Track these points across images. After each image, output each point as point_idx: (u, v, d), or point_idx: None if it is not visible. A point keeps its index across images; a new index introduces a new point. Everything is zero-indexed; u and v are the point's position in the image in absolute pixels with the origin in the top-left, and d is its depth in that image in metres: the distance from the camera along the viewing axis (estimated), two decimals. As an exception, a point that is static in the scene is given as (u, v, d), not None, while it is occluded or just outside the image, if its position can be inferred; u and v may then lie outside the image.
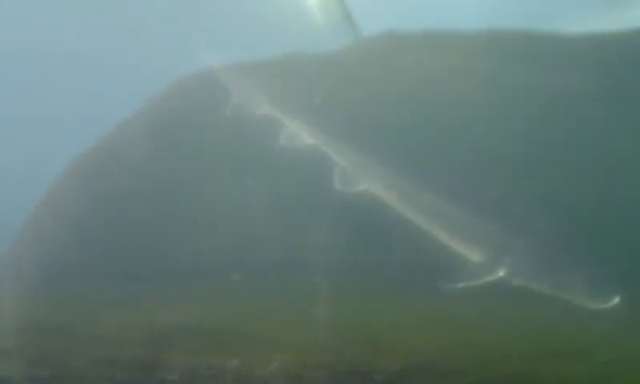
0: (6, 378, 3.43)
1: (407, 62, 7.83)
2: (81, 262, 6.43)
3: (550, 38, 7.75)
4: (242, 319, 4.59)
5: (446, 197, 5.57)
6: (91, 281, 6.04)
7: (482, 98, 7.14)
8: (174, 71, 8.67)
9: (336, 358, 3.51)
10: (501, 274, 4.83)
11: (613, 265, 4.66)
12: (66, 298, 5.63)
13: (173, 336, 4.05)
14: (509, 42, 7.85)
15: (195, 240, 6.43)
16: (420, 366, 3.41)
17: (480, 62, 7.59)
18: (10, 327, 4.67)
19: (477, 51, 7.74)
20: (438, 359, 3.55)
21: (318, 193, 6.57)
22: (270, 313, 4.76)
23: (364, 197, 6.30)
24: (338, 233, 6.07)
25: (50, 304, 5.48)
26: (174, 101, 8.14)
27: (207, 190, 6.90)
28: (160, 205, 6.87)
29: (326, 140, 6.86)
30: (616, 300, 4.22)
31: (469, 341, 3.98)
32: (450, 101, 7.20)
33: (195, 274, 5.91)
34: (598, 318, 4.32)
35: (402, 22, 8.63)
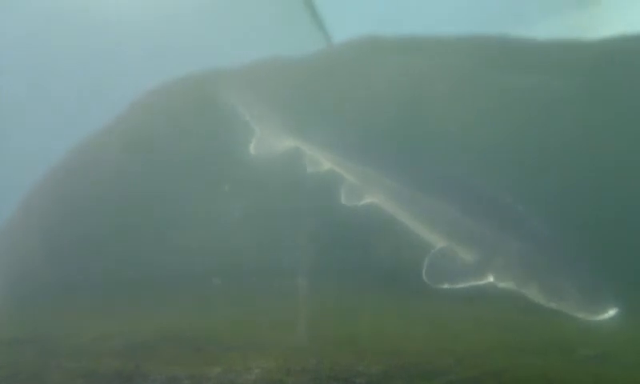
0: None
1: (389, 66, 7.84)
2: (56, 272, 6.33)
3: (531, 43, 7.83)
4: (222, 326, 4.55)
5: (430, 197, 5.59)
6: (67, 291, 5.95)
7: (466, 102, 7.19)
8: (150, 78, 8.58)
9: (318, 362, 3.49)
10: (487, 275, 4.85)
11: (601, 269, 4.68)
12: (42, 311, 5.53)
13: (153, 345, 4.00)
14: (490, 47, 7.91)
15: (174, 247, 6.37)
16: (402, 367, 3.41)
17: (462, 66, 7.65)
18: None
19: (459, 56, 7.80)
20: (421, 359, 3.55)
21: (298, 196, 6.57)
22: (250, 318, 4.73)
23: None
24: (319, 235, 6.06)
25: (27, 317, 5.38)
26: (151, 108, 8.04)
27: (186, 197, 6.84)
28: (137, 213, 6.79)
29: (308, 144, 6.86)
30: (612, 312, 4.24)
31: (452, 341, 3.98)
32: (432, 105, 7.24)
33: (174, 282, 5.85)
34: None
35: (377, 25, 8.64)
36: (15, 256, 6.76)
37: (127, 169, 7.21)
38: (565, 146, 6.59)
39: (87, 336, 4.38)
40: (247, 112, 7.25)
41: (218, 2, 16.93)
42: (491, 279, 4.79)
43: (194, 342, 4.02)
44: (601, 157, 6.46)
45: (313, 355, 3.60)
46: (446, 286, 4.80)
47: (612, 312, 4.22)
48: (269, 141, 7.04)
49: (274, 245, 6.15)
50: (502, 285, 4.74)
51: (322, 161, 6.70)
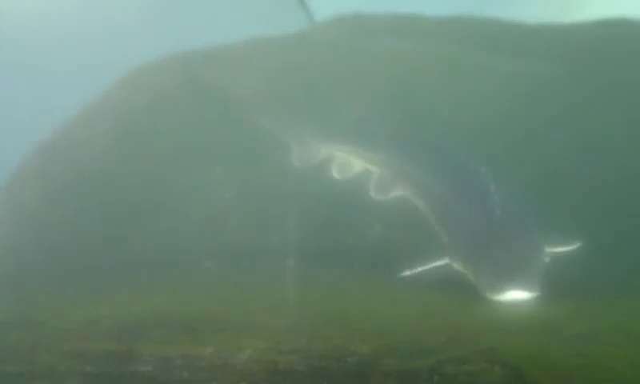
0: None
1: (373, 45, 7.84)
2: (46, 255, 6.28)
3: (516, 26, 7.86)
4: (214, 307, 4.57)
5: (417, 180, 5.62)
6: (58, 273, 5.91)
7: (450, 84, 7.22)
8: (133, 58, 8.49)
9: (310, 343, 3.53)
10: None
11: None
12: (32, 293, 5.50)
13: (145, 327, 4.01)
14: (477, 30, 7.94)
15: (164, 229, 6.35)
16: (392, 347, 3.45)
17: (446, 47, 7.67)
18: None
19: (445, 37, 7.82)
20: (410, 339, 3.60)
21: (289, 178, 6.57)
22: (242, 300, 4.75)
23: (335, 180, 6.34)
24: (310, 217, 6.08)
25: (16, 299, 5.35)
26: (135, 87, 7.98)
27: (176, 178, 6.82)
28: (126, 194, 6.75)
29: (294, 124, 6.85)
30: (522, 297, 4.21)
31: (441, 322, 4.04)
32: (416, 85, 7.26)
33: (165, 263, 5.85)
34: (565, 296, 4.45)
35: (362, 3, 8.61)
36: (2, 238, 6.69)
37: (114, 149, 7.16)
38: (550, 130, 6.65)
39: (77, 318, 4.37)
40: (233, 92, 7.23)
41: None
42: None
43: (185, 323, 4.03)
44: (585, 140, 6.54)
45: (304, 335, 3.64)
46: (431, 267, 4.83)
47: (523, 297, 4.18)
48: (256, 122, 7.02)
49: (265, 226, 6.16)
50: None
51: (312, 142, 6.70)
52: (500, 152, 6.33)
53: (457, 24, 8.08)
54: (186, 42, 8.53)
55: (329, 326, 3.92)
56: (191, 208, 6.50)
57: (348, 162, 6.49)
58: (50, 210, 6.75)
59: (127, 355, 3.42)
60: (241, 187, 6.59)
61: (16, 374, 3.35)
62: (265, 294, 4.83)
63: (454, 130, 6.70)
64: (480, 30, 7.97)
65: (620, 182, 6.01)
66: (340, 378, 3.02)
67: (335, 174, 6.48)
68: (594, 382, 2.93)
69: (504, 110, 6.92)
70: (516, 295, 4.21)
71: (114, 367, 3.31)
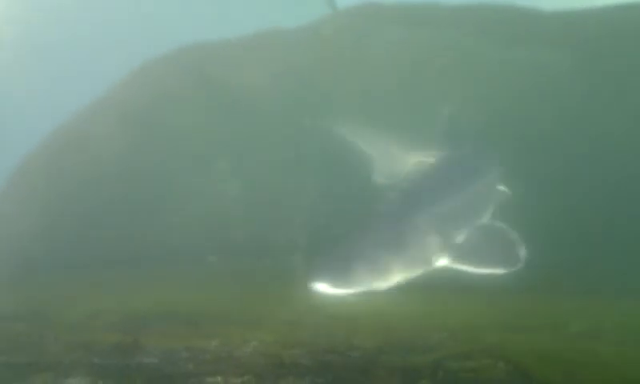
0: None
1: (387, 36, 7.81)
2: (51, 249, 6.31)
3: (532, 13, 7.78)
4: (219, 301, 4.60)
5: (424, 173, 5.63)
6: (63, 268, 5.95)
7: (463, 72, 7.19)
8: (140, 52, 8.50)
9: (314, 337, 3.55)
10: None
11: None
12: (38, 286, 5.54)
13: (150, 320, 4.03)
14: (490, 18, 7.88)
15: (170, 223, 6.38)
16: (395, 342, 3.47)
17: (461, 36, 7.62)
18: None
19: (459, 25, 7.76)
20: (414, 335, 3.61)
21: (294, 172, 6.58)
22: (247, 295, 4.77)
23: (340, 173, 6.35)
24: (314, 211, 6.09)
25: (22, 292, 5.39)
26: (146, 79, 7.98)
27: (181, 172, 6.84)
28: (131, 189, 6.78)
29: (305, 117, 6.84)
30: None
31: (444, 318, 4.05)
32: (431, 75, 7.25)
33: (170, 258, 5.87)
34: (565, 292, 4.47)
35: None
36: (7, 232, 6.73)
37: (121, 143, 7.17)
38: (563, 120, 6.62)
39: (84, 311, 4.40)
40: (245, 84, 7.24)
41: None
42: None
43: (190, 316, 4.06)
44: (598, 131, 6.51)
45: (308, 330, 3.66)
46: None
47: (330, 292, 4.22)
48: (266, 115, 7.03)
49: (269, 223, 6.17)
50: None
51: (320, 134, 6.70)
52: (506, 148, 6.32)
53: (472, 13, 8.00)
54: (204, 34, 8.52)
55: (332, 322, 3.94)
56: (195, 204, 6.52)
57: None
58: (55, 205, 6.78)
59: (133, 347, 3.45)
60: (245, 184, 6.61)
61: (23, 365, 3.38)
62: (269, 289, 4.85)
63: (462, 123, 6.68)
64: (497, 19, 7.88)
65: (621, 181, 6.00)
66: (344, 373, 3.04)
67: None
68: (597, 380, 2.95)
69: (513, 104, 6.90)
70: (324, 289, 4.27)
71: (119, 359, 3.34)
